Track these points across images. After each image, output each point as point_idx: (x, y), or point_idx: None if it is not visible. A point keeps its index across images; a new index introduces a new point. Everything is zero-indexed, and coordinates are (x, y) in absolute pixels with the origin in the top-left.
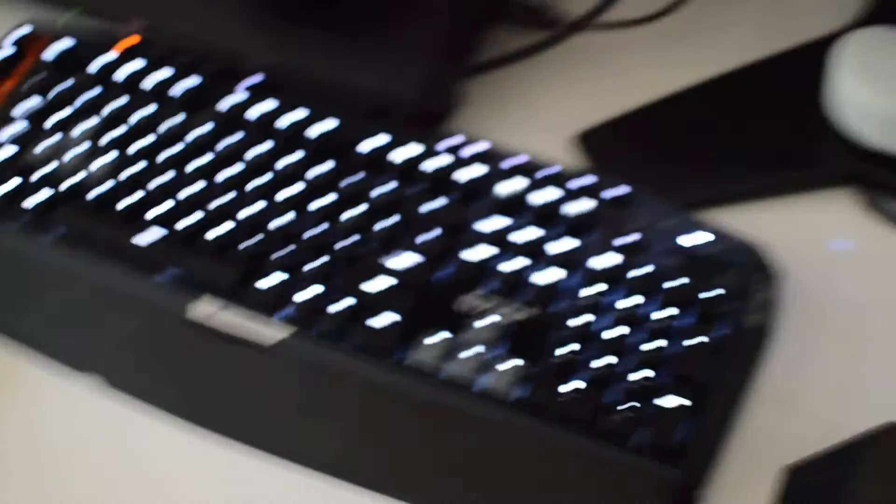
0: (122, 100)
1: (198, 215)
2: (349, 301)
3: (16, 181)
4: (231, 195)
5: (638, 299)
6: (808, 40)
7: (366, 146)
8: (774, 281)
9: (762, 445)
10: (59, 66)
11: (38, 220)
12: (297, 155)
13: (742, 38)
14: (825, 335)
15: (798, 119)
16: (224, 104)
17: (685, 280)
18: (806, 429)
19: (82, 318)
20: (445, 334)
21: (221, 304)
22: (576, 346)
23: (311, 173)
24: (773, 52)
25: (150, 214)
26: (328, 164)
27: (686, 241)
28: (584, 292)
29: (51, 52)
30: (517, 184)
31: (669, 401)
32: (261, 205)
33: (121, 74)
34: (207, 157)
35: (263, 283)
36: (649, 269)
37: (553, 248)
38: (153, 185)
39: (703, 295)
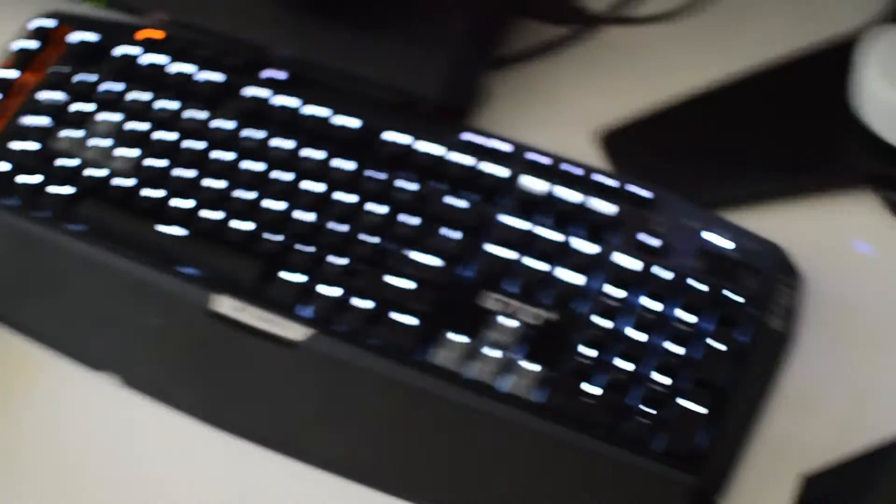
0: (145, 94)
1: (220, 211)
2: (371, 300)
3: (38, 174)
4: (253, 191)
5: (659, 303)
6: (833, 38)
7: (388, 143)
8: (796, 285)
9: (781, 452)
10: (82, 59)
11: (61, 212)
12: (320, 152)
13: (768, 35)
14: (846, 340)
15: (823, 118)
16: (246, 100)
17: (706, 283)
18: (826, 435)
19: (101, 313)
20: (466, 335)
21: (243, 300)
22: (596, 350)
23: (334, 171)
24: (798, 50)
25: (173, 209)
26: (351, 162)
27: (708, 242)
28: (605, 295)
29: (74, 45)
30: (540, 183)
31: (689, 406)
32: (283, 201)
33: (144, 68)
34: (230, 153)
35: (285, 280)
36: (671, 272)
37: (574, 249)
38: (175, 179)
39: (724, 298)
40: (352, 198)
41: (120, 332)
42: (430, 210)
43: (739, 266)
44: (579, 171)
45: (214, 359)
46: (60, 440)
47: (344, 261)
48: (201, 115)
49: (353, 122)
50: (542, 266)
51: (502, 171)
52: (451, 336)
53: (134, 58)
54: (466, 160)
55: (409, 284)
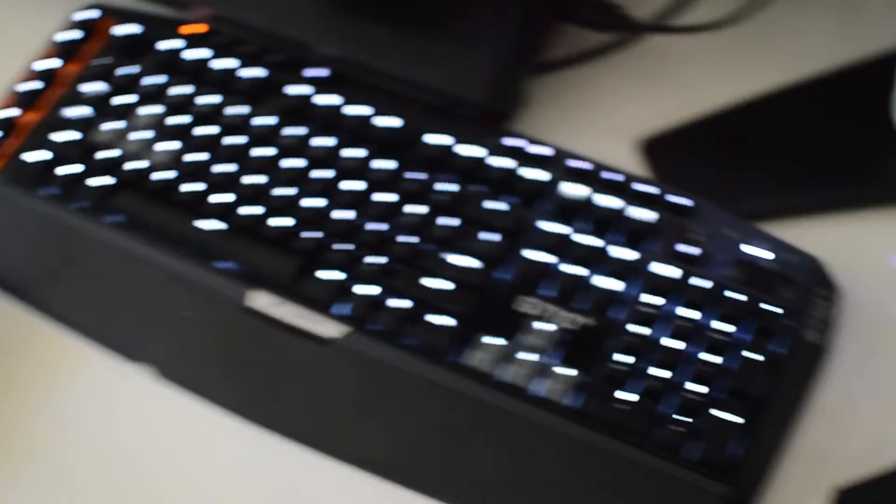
0: (187, 88)
1: (259, 206)
2: (407, 299)
3: (79, 164)
4: (292, 188)
5: (696, 312)
6: (876, 52)
7: (429, 145)
8: (834, 298)
9: (815, 464)
10: (124, 52)
11: (100, 203)
12: (360, 151)
13: (811, 48)
14: (882, 354)
15: (865, 132)
16: (288, 97)
17: (744, 293)
18: (860, 449)
19: (138, 305)
20: (502, 338)
21: (280, 296)
22: (631, 357)
23: (373, 170)
24: (842, 62)
25: (211, 203)
26: (390, 162)
27: (747, 253)
28: (642, 302)
29: (117, 37)
30: (579, 189)
31: (723, 416)
32: (322, 199)
33: (186, 62)
34: (270, 149)
35: (322, 278)
36: (709, 281)
37: (612, 255)
38: (215, 174)
39: (761, 309)
40: (391, 197)
41: (156, 324)
42: (469, 212)
43: (777, 277)
44: (619, 178)
45: (249, 354)
46: (99, 429)
47: (381, 260)
48: (242, 110)
49: (395, 123)
50: (579, 271)
51: (542, 176)
52: (486, 338)
53: (177, 51)
54: (507, 164)
55: (446, 285)
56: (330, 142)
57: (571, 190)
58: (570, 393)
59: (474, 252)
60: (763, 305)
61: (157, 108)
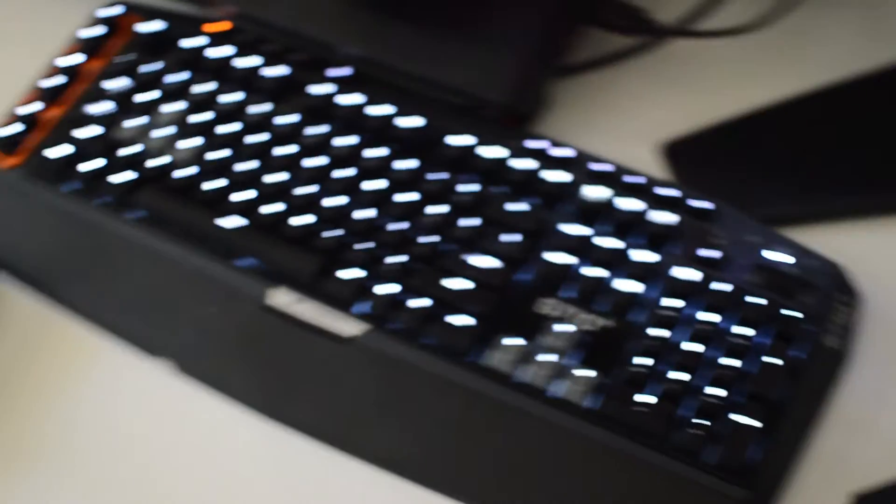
0: (210, 85)
1: (280, 204)
2: (427, 299)
3: (101, 160)
4: (314, 187)
5: (716, 315)
6: None
7: (451, 145)
8: (855, 304)
9: (833, 470)
10: (148, 48)
11: (121, 199)
12: (382, 150)
13: (836, 53)
14: None
15: (889, 138)
16: (311, 95)
17: (765, 298)
18: (879, 455)
19: (158, 300)
20: (521, 338)
21: (300, 294)
22: (650, 360)
23: (395, 170)
24: (869, 69)
25: (233, 201)
26: (412, 162)
27: (768, 258)
28: (662, 305)
29: (141, 34)
30: (601, 191)
31: (742, 420)
32: (343, 198)
33: (209, 60)
34: (292, 148)
35: (343, 276)
36: (729, 285)
37: (633, 258)
38: (237, 171)
39: (781, 314)
40: (412, 197)
41: (176, 320)
42: (490, 213)
43: (798, 283)
44: (641, 181)
45: (269, 351)
46: (114, 423)
47: (402, 259)
48: (265, 108)
49: (417, 122)
50: (600, 273)
51: (564, 178)
52: (506, 339)
53: (200, 49)
54: (528, 165)
55: (467, 285)
56: (352, 141)
57: (593, 192)
58: (590, 395)
59: (495, 253)
60: (783, 310)
61: (180, 105)
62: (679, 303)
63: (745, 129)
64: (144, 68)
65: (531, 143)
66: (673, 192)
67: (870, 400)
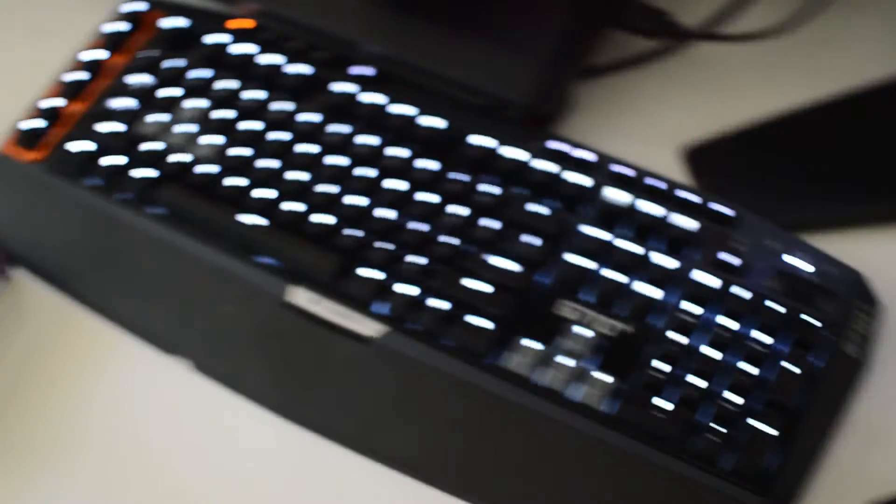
0: (232, 82)
1: (301, 203)
2: (447, 301)
3: (122, 156)
4: (335, 186)
5: (735, 321)
6: None
7: (473, 146)
8: (875, 313)
9: (850, 478)
10: (171, 44)
11: (142, 195)
12: (404, 150)
13: (859, 59)
14: None
15: None
16: (333, 94)
17: (784, 304)
18: (895, 466)
19: (177, 297)
20: (540, 342)
21: (319, 293)
22: (669, 365)
23: (416, 170)
24: (890, 75)
25: (254, 198)
26: (434, 162)
27: (788, 264)
28: (682, 310)
29: (164, 30)
30: (622, 195)
31: (759, 427)
32: (364, 198)
33: (232, 57)
34: (314, 146)
35: (362, 276)
36: (749, 291)
37: (653, 262)
38: (258, 169)
39: (801, 321)
40: (433, 198)
41: (194, 317)
42: (511, 215)
43: (818, 290)
44: (662, 185)
45: (287, 350)
46: (128, 420)
47: (422, 260)
48: (287, 106)
49: (439, 123)
50: (619, 277)
51: (585, 181)
52: (524, 342)
53: (223, 46)
54: (550, 167)
55: (486, 288)
56: (374, 140)
57: (614, 195)
58: (607, 399)
59: (515, 255)
60: (803, 317)
61: (202, 102)
62: (698, 308)
63: (766, 135)
64: (167, 64)
65: (553, 145)
66: (694, 197)
67: (889, 408)
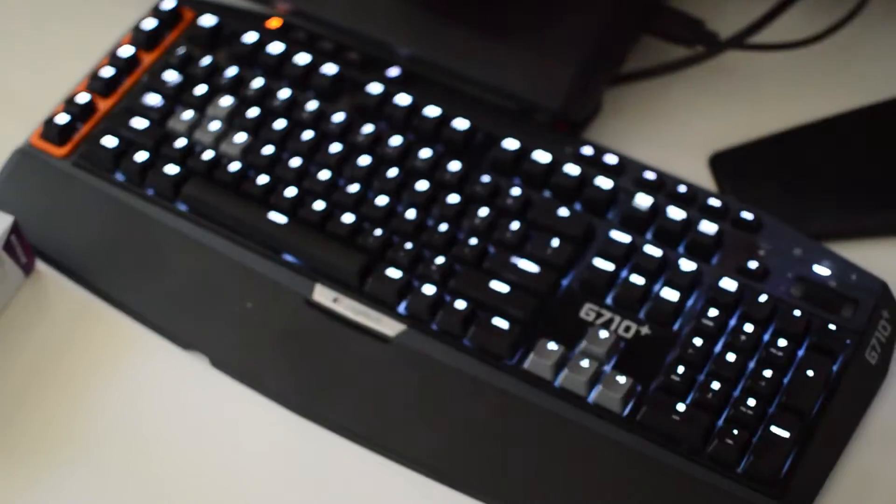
0: (260, 81)
1: (325, 202)
2: (468, 301)
3: (151, 152)
4: (359, 186)
5: (756, 327)
6: None
7: (501, 149)
8: None
9: (866, 485)
10: (202, 43)
11: (168, 191)
12: (429, 152)
13: (891, 70)
14: None
15: None
16: (360, 95)
17: (806, 311)
18: None
19: (197, 293)
20: (560, 344)
21: (342, 292)
22: (689, 369)
23: (443, 171)
24: None
25: (280, 197)
26: (458, 164)
27: (810, 271)
28: (702, 314)
29: (195, 28)
30: (647, 199)
31: (776, 431)
32: (388, 198)
33: (263, 56)
34: (340, 146)
35: (385, 275)
36: (771, 297)
37: (675, 267)
38: (284, 167)
39: (821, 327)
40: (458, 199)
41: (214, 313)
42: (536, 217)
43: (839, 297)
44: (689, 191)
45: (307, 348)
46: (141, 414)
47: (445, 260)
48: (315, 106)
49: (467, 125)
50: (641, 281)
51: (611, 185)
52: (546, 344)
53: (253, 45)
54: (576, 171)
55: (508, 289)
56: (402, 141)
57: (641, 200)
58: (628, 402)
59: (540, 257)
60: (822, 323)
61: (231, 100)
62: (721, 313)
63: (793, 143)
64: (198, 62)
65: (582, 150)
66: (719, 203)
67: None
